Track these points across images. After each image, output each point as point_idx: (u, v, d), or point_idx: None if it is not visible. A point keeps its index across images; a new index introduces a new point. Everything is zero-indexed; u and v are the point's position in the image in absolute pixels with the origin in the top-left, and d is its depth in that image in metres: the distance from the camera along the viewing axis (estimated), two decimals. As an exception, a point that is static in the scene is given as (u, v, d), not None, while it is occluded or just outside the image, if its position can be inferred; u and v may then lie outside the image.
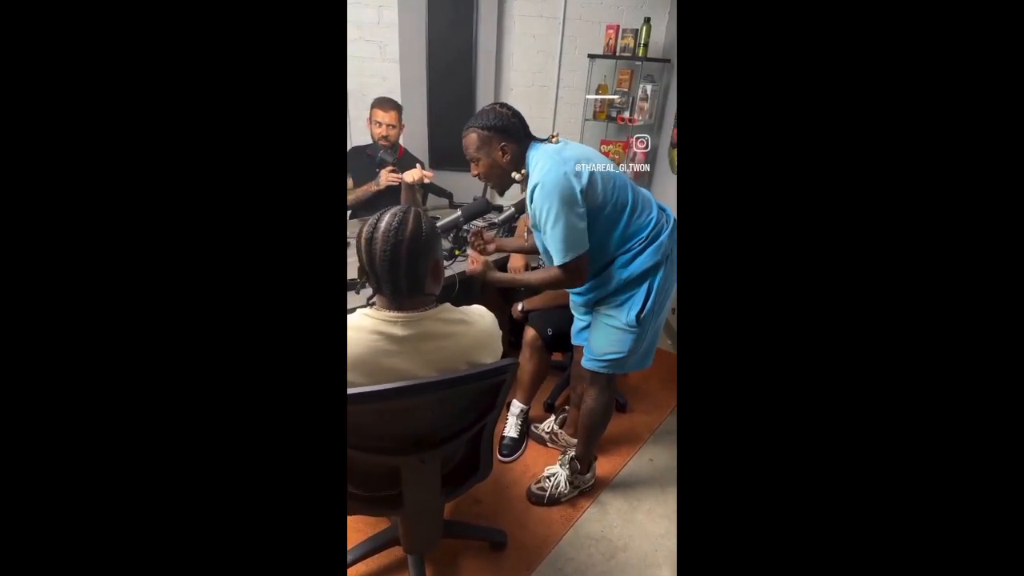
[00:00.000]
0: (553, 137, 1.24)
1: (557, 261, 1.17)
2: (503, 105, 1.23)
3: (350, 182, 2.21)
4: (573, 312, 1.45)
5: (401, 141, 2.83)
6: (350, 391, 0.77)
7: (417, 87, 2.69)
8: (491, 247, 1.54)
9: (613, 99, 2.66)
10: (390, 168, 2.04)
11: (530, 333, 1.66)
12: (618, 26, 2.51)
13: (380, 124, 2.08)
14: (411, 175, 1.95)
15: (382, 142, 2.10)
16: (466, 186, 2.63)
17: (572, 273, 1.19)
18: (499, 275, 1.35)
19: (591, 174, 1.16)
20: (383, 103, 2.10)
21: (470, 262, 1.35)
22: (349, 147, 2.25)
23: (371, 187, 2.06)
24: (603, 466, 1.64)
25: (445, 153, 2.82)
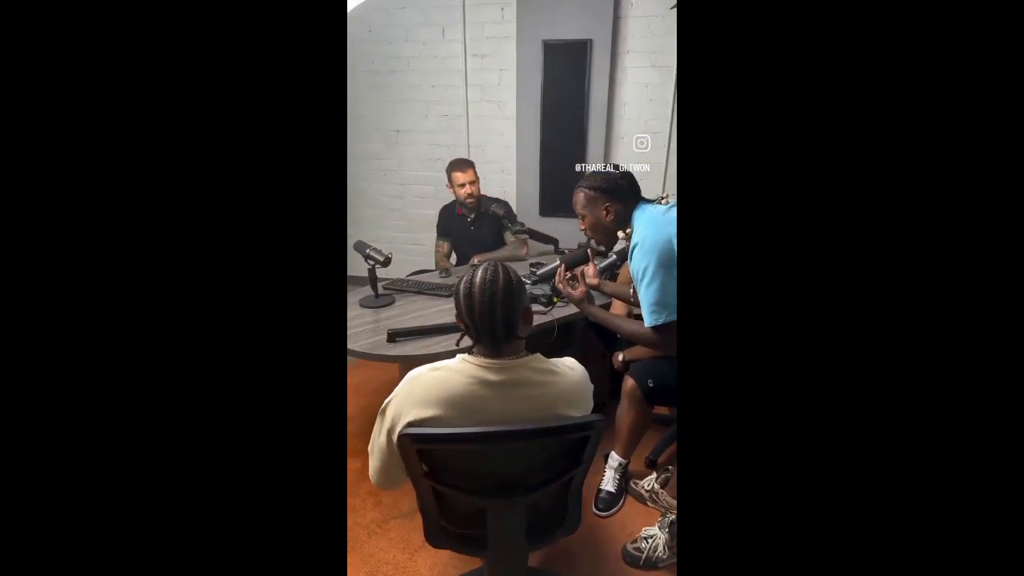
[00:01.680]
0: (663, 199, 1.27)
1: (648, 322, 1.15)
2: (615, 167, 1.29)
3: (444, 246, 2.35)
4: None
5: (514, 190, 3.02)
6: (435, 431, 0.84)
7: (531, 140, 2.85)
8: (593, 281, 1.55)
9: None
10: (524, 238, 2.17)
11: (629, 383, 1.61)
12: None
13: (463, 185, 2.17)
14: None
15: (468, 200, 2.20)
16: (572, 231, 2.71)
17: (664, 337, 1.16)
18: (595, 309, 1.36)
19: None
20: (459, 165, 2.20)
21: (572, 287, 1.36)
22: (442, 206, 2.40)
23: (503, 252, 2.20)
24: (709, 535, 1.51)
25: (554, 201, 2.93)
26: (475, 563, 1.34)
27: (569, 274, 1.49)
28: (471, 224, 2.28)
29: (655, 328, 1.15)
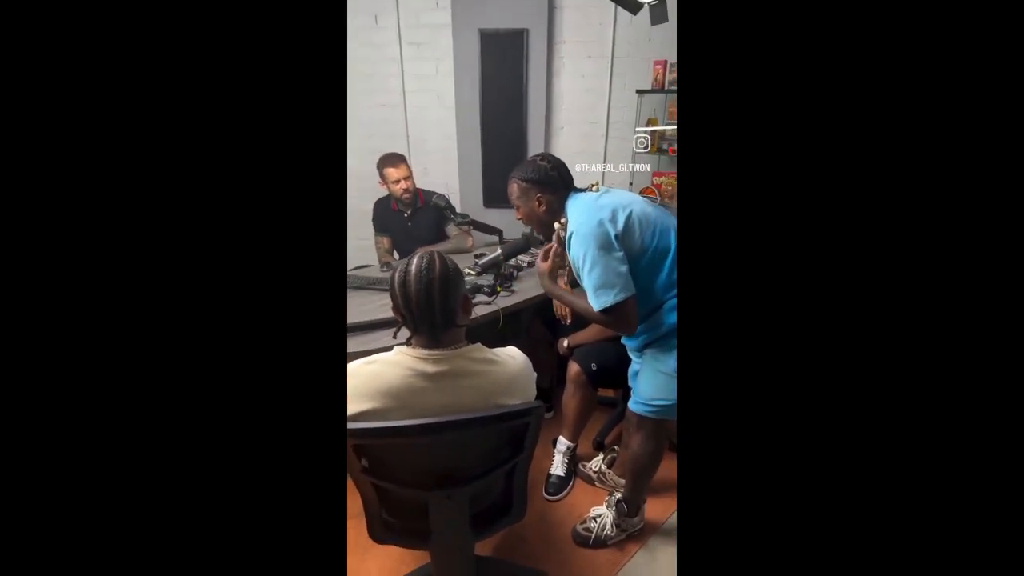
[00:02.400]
0: (593, 187, 1.28)
1: (596, 306, 1.17)
2: (543, 157, 1.29)
3: (384, 241, 2.28)
4: (630, 355, 1.43)
5: (457, 181, 2.99)
6: (372, 425, 0.82)
7: (471, 131, 2.83)
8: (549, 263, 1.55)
9: (665, 131, 2.65)
10: (467, 229, 2.14)
11: (574, 368, 1.65)
12: (666, 61, 2.52)
13: (397, 181, 2.11)
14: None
15: (404, 196, 2.14)
16: (517, 221, 2.71)
17: (616, 318, 1.18)
18: (553, 287, 1.36)
19: (628, 220, 1.17)
20: (391, 160, 2.14)
21: (539, 261, 1.35)
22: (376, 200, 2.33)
23: (447, 245, 2.15)
24: (653, 509, 1.57)
25: (498, 192, 2.92)
26: (423, 558, 1.34)
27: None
28: (408, 220, 2.22)
29: (604, 311, 1.17)
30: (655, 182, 2.74)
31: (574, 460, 1.73)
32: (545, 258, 1.32)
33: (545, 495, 1.66)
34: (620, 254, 1.15)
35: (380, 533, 1.00)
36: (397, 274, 0.90)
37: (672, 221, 1.25)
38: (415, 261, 0.89)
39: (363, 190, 2.35)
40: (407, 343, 0.93)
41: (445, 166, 2.99)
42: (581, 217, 1.17)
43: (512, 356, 0.97)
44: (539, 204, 1.27)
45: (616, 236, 1.14)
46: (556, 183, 1.26)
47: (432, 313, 0.88)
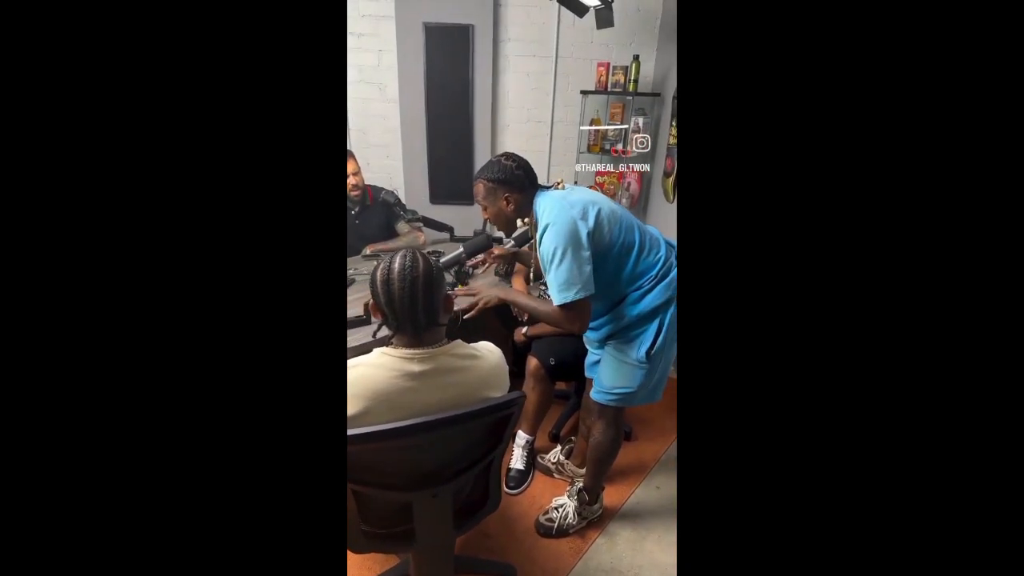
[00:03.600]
0: (558, 184, 1.31)
1: (556, 300, 1.20)
2: (508, 157, 1.30)
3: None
4: (587, 346, 1.47)
5: (402, 177, 2.92)
6: (364, 431, 0.80)
7: (417, 125, 2.78)
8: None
9: (607, 130, 2.74)
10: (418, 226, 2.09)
11: (533, 363, 1.67)
12: (608, 63, 2.61)
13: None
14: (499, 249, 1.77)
15: (353, 193, 2.06)
16: (466, 218, 2.71)
17: (571, 314, 1.22)
18: (508, 292, 1.42)
19: (598, 217, 1.21)
20: None
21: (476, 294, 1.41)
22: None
23: (399, 242, 2.09)
24: (610, 495, 1.64)
25: (445, 188, 2.90)
26: (392, 560, 1.31)
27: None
28: (355, 217, 2.14)
29: (563, 306, 1.20)
30: (598, 180, 2.84)
31: (532, 453, 1.76)
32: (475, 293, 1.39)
33: (506, 489, 1.68)
34: (588, 254, 1.18)
35: (360, 544, 0.97)
36: (380, 272, 0.88)
37: (632, 216, 1.31)
38: (398, 259, 0.88)
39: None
40: (388, 343, 0.91)
41: (388, 161, 2.92)
42: (554, 212, 1.19)
43: (490, 350, 0.98)
44: (507, 203, 1.28)
45: (588, 233, 1.18)
46: (523, 182, 1.28)
47: (415, 312, 0.87)
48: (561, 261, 1.16)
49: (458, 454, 0.94)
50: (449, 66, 2.67)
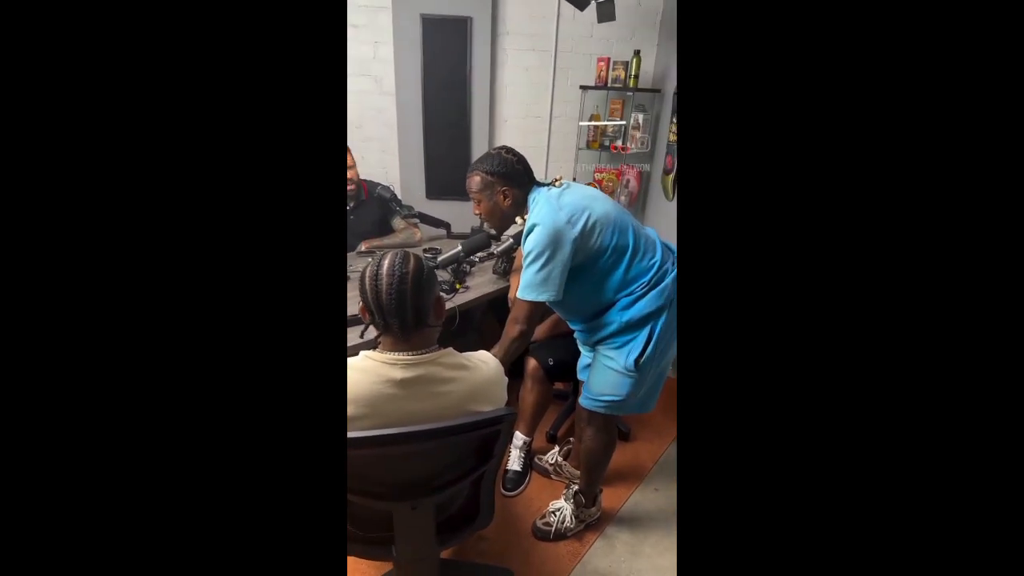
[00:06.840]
0: (556, 181, 1.27)
1: (519, 294, 1.20)
2: (508, 151, 1.26)
3: None
4: (580, 348, 1.45)
5: (398, 172, 2.88)
6: (351, 435, 0.77)
7: (413, 119, 2.73)
8: None
9: (607, 126, 2.71)
10: (414, 223, 2.07)
11: (531, 363, 1.65)
12: (608, 58, 2.57)
13: None
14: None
15: (348, 187, 2.02)
16: (463, 214, 2.67)
17: (521, 311, 1.21)
18: None
19: (587, 222, 1.17)
20: None
21: None
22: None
23: (395, 239, 2.05)
24: (608, 498, 1.62)
25: (441, 183, 2.85)
26: (386, 567, 1.28)
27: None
28: (351, 213, 2.09)
29: (519, 299, 1.19)
30: (597, 177, 2.81)
31: (530, 454, 1.74)
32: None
33: (503, 491, 1.66)
34: (566, 259, 1.16)
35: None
36: (368, 270, 0.85)
37: (629, 217, 1.28)
38: (388, 258, 0.85)
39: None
40: (374, 344, 0.88)
41: (384, 155, 2.87)
42: (543, 214, 1.17)
43: (484, 361, 0.94)
44: (504, 198, 1.25)
45: (573, 239, 1.15)
46: (521, 177, 1.25)
47: (403, 310, 0.83)
48: (536, 263, 1.14)
49: (441, 468, 0.90)
50: (447, 59, 2.62)
